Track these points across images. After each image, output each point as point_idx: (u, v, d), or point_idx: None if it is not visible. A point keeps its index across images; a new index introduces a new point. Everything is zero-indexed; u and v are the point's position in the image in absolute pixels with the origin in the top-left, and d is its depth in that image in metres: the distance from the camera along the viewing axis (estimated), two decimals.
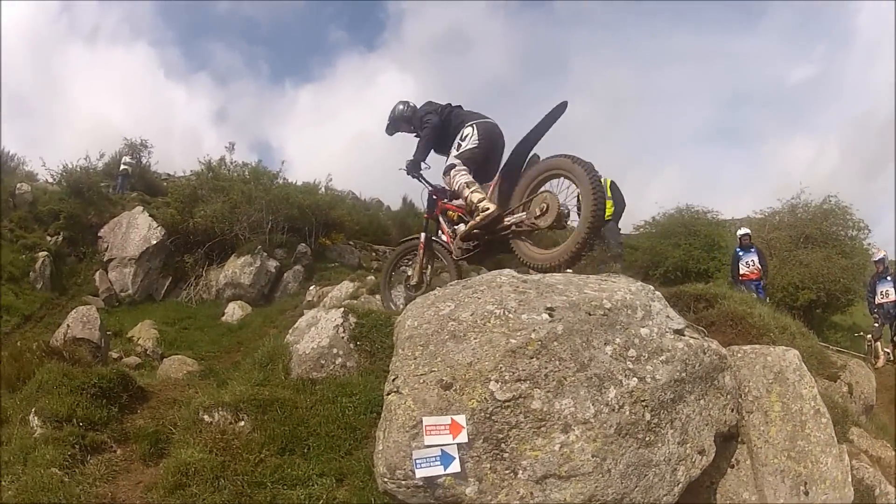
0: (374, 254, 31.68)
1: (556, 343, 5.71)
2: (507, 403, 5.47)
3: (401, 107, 10.35)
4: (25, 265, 25.20)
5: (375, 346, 8.65)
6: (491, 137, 9.38)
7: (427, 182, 10.11)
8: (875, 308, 21.73)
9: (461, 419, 5.39)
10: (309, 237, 29.51)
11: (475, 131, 9.26)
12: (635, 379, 5.88)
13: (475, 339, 5.73)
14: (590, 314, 6.01)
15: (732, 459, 6.69)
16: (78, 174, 30.85)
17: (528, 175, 8.68)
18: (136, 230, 27.80)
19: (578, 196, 8.23)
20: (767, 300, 20.95)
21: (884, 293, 21.50)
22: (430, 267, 10.16)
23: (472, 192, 8.78)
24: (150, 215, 28.61)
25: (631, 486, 5.60)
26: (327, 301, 21.66)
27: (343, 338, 8.67)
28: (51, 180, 32.50)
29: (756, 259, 21.46)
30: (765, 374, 6.91)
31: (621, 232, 18.33)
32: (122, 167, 35.84)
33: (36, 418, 8.49)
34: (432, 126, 9.64)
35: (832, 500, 6.60)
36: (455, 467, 5.32)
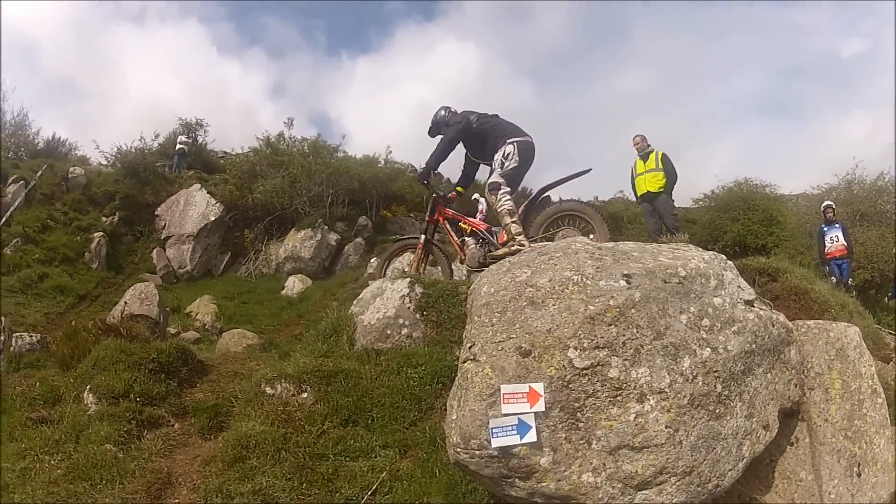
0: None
1: (633, 310, 5.59)
2: (584, 371, 5.34)
3: (442, 112, 11.05)
4: (80, 246, 25.38)
5: (442, 317, 8.58)
6: (528, 156, 10.28)
7: (433, 189, 11.11)
8: None
9: (539, 387, 5.25)
10: (370, 210, 29.67)
11: (516, 150, 10.12)
12: (708, 349, 5.76)
13: (554, 305, 5.59)
14: (665, 282, 5.90)
15: (792, 437, 6.54)
16: (133, 155, 31.13)
17: (547, 212, 10.20)
18: (194, 207, 28.00)
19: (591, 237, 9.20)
20: (851, 282, 20.30)
21: (833, 238, 20.56)
22: (425, 264, 10.93)
23: (512, 223, 9.75)
24: (207, 192, 28.82)
25: (700, 459, 5.48)
26: (389, 273, 21.17)
27: (409, 308, 8.60)
28: (105, 162, 32.94)
29: (840, 235, 20.53)
30: (827, 351, 6.76)
31: (676, 205, 18.18)
32: (178, 146, 36.00)
33: (91, 395, 8.55)
34: (448, 139, 10.45)
35: (881, 482, 6.49)
36: (531, 437, 5.19)
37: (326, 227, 26.73)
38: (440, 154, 10.51)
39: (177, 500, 6.78)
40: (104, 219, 27.90)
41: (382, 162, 31.92)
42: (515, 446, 5.16)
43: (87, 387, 8.74)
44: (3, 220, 24.53)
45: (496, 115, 10.75)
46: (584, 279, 5.73)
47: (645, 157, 17.89)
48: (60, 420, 8.42)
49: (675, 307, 5.81)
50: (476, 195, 24.74)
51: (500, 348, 5.44)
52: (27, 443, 7.91)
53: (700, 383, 5.60)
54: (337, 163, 29.18)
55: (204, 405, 8.40)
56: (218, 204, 27.96)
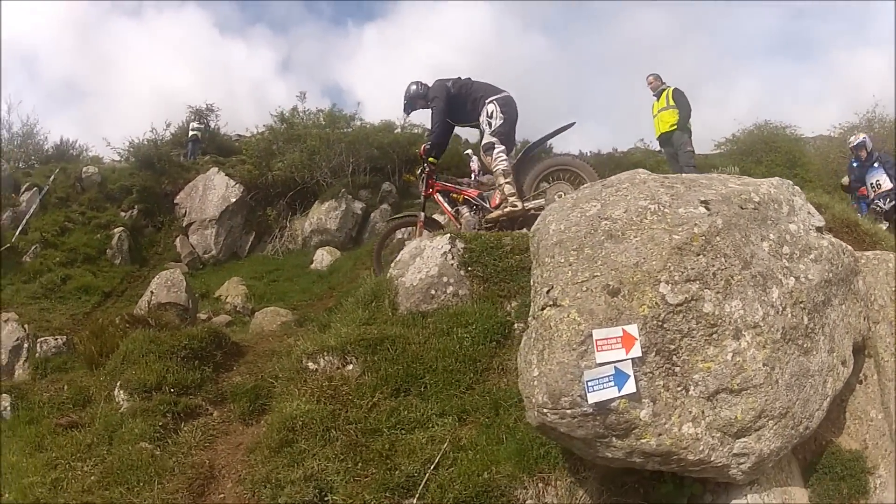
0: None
1: (718, 238, 5.15)
2: (679, 308, 4.89)
3: (414, 87, 11.26)
4: (101, 244, 25.23)
5: (488, 271, 8.09)
6: (512, 111, 10.48)
7: (426, 163, 11.13)
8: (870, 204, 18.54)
9: (633, 330, 4.78)
10: (392, 175, 29.35)
11: (497, 108, 10.36)
12: (792, 278, 5.42)
13: (635, 237, 5.14)
14: (742, 208, 5.48)
15: (860, 374, 6.25)
16: (146, 147, 30.90)
17: (536, 169, 10.32)
18: (214, 191, 27.81)
19: None
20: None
21: (874, 184, 17.67)
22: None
23: (506, 183, 9.95)
24: (226, 175, 28.64)
25: (793, 399, 5.13)
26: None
27: (452, 265, 8.13)
28: (117, 158, 32.91)
29: (883, 177, 17.41)
30: (888, 282, 6.53)
31: (692, 145, 17.15)
32: (191, 133, 35.77)
33: (122, 392, 8.28)
34: (439, 111, 10.70)
35: None
36: (630, 387, 4.73)
37: (350, 197, 26.48)
38: (438, 128, 10.82)
39: (222, 495, 6.46)
40: (123, 214, 27.69)
41: (400, 127, 31.45)
42: (613, 400, 4.71)
43: (118, 383, 8.50)
44: (20, 228, 24.47)
45: (469, 79, 10.94)
46: (662, 207, 5.29)
47: (658, 96, 17.30)
48: (91, 422, 8.18)
49: (756, 234, 5.44)
50: (469, 151, 25.03)
51: (584, 289, 4.98)
52: (57, 451, 7.67)
53: (789, 315, 5.26)
54: (354, 131, 28.94)
55: (242, 389, 8.08)
56: (237, 185, 27.75)
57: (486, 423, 6.35)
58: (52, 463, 7.42)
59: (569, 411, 4.73)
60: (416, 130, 30.56)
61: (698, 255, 5.00)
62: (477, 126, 10.76)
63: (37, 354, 12.26)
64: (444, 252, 8.21)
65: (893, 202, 16.91)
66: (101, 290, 21.89)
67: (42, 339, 12.71)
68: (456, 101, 10.71)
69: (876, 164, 17.42)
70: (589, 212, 5.40)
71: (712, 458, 4.85)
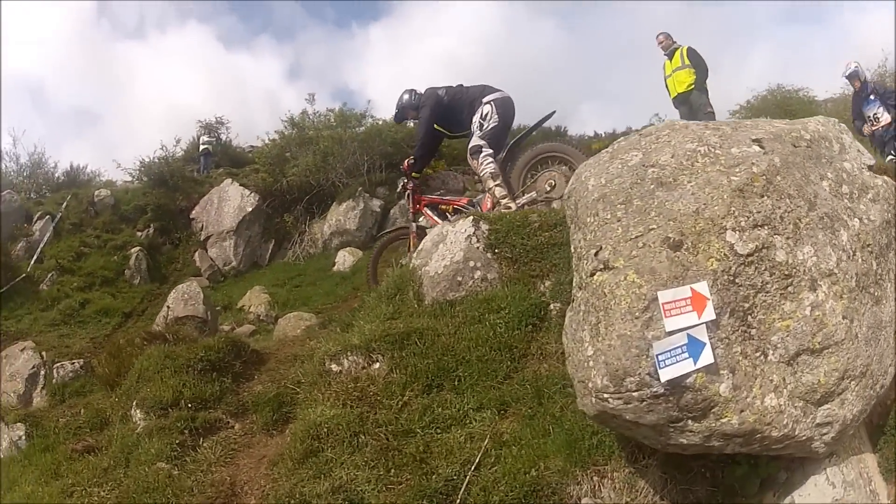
0: (475, 177, 29.97)
1: (779, 178, 4.64)
2: (749, 259, 4.36)
3: (406, 96, 11.09)
4: (118, 265, 24.98)
5: (517, 251, 7.66)
6: (508, 113, 10.26)
7: (408, 179, 11.22)
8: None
9: (703, 288, 4.20)
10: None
11: (493, 108, 10.08)
12: (857, 220, 4.95)
13: (689, 182, 4.62)
14: (795, 146, 5.03)
15: None
16: (157, 165, 30.24)
17: (523, 159, 10.15)
18: (229, 202, 27.46)
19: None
20: None
21: (872, 118, 16.97)
22: None
23: (496, 186, 9.73)
24: (240, 185, 28.22)
25: (871, 355, 4.64)
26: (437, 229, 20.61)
27: (478, 248, 7.73)
28: (129, 179, 32.45)
29: (880, 110, 16.80)
30: None
31: (712, 106, 16.49)
32: (202, 147, 35.50)
33: (138, 411, 7.95)
34: (424, 122, 10.58)
35: None
36: (707, 357, 4.13)
37: (368, 195, 25.99)
38: (423, 139, 10.83)
39: None
40: (139, 233, 27.44)
41: (413, 122, 30.38)
42: (689, 374, 4.11)
43: (134, 403, 8.17)
44: (35, 257, 24.28)
45: (461, 85, 10.74)
46: (712, 149, 4.80)
47: (671, 56, 16.68)
48: (108, 445, 7.89)
49: (815, 173, 4.96)
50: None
51: (640, 245, 4.42)
52: (73, 477, 7.40)
53: (860, 260, 4.78)
54: (367, 129, 28.52)
55: (264, 398, 7.68)
56: (252, 194, 27.36)
57: (529, 414, 5.92)
58: (69, 490, 7.13)
59: (636, 394, 4.16)
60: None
61: (762, 196, 4.48)
62: (468, 136, 10.52)
63: (54, 380, 12.06)
64: (469, 235, 7.81)
65: (894, 135, 16.37)
66: (121, 311, 21.68)
67: (59, 364, 12.39)
68: (450, 110, 10.50)
69: (872, 97, 16.82)
70: (631, 161, 4.87)
71: (796, 432, 4.33)
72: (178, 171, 30.34)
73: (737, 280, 4.27)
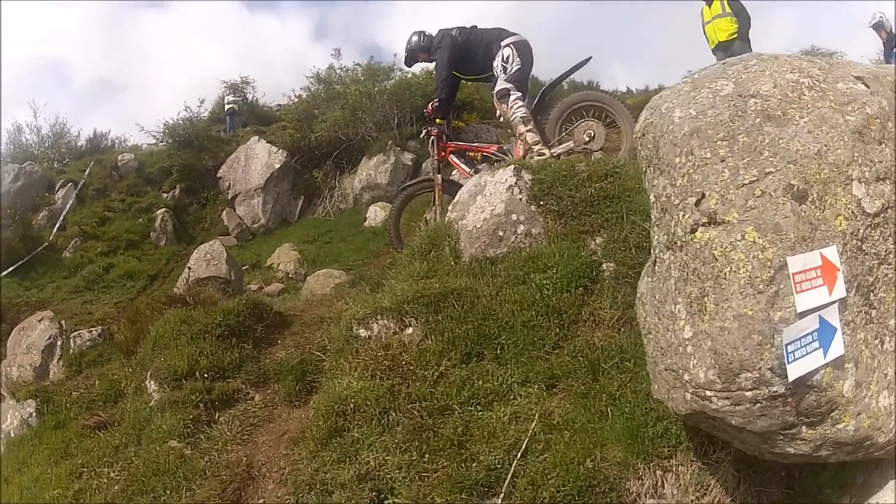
0: (508, 130, 29.49)
1: (890, 124, 3.78)
2: (876, 220, 3.55)
3: (415, 38, 10.65)
4: (143, 228, 24.83)
5: (564, 204, 6.91)
6: (528, 56, 9.80)
7: (431, 124, 10.68)
8: None
9: (832, 254, 3.35)
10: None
11: (514, 51, 9.61)
12: None
13: (801, 118, 3.69)
14: (890, 90, 4.07)
15: None
16: (182, 126, 29.88)
17: (560, 107, 9.48)
18: (256, 159, 27.25)
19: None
20: None
21: None
22: (445, 207, 9.77)
23: (528, 131, 9.17)
24: (267, 142, 27.93)
25: None
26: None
27: (521, 199, 7.03)
28: (153, 142, 32.07)
29: None
30: None
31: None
32: (227, 107, 35.22)
33: (152, 382, 7.41)
34: (443, 64, 10.08)
35: None
36: (837, 347, 3.33)
37: (398, 149, 25.51)
38: (443, 82, 10.24)
39: (261, 500, 5.50)
40: (164, 195, 27.36)
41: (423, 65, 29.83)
42: (817, 370, 3.29)
43: (148, 373, 7.63)
44: (57, 225, 24.26)
45: (474, 26, 10.31)
46: (816, 82, 3.89)
47: (710, 2, 15.60)
48: (121, 419, 7.47)
49: None
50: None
51: (757, 193, 3.48)
52: (83, 456, 7.00)
53: None
54: (396, 82, 27.77)
55: (287, 365, 7.14)
56: (280, 151, 27.06)
57: (582, 392, 5.26)
58: (77, 471, 6.75)
59: (749, 393, 3.34)
60: (459, 75, 29.44)
61: (880, 143, 3.65)
62: (488, 80, 10.12)
63: (70, 350, 11.50)
64: (510, 186, 7.12)
65: None
66: (147, 273, 21.50)
67: (76, 332, 11.89)
68: (465, 52, 10.03)
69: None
70: (722, 91, 3.90)
71: None
72: (203, 131, 30.22)
73: (863, 246, 3.47)
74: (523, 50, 9.65)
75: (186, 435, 6.36)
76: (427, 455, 5.03)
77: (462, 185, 9.44)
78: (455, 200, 7.80)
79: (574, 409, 5.11)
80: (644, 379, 4.78)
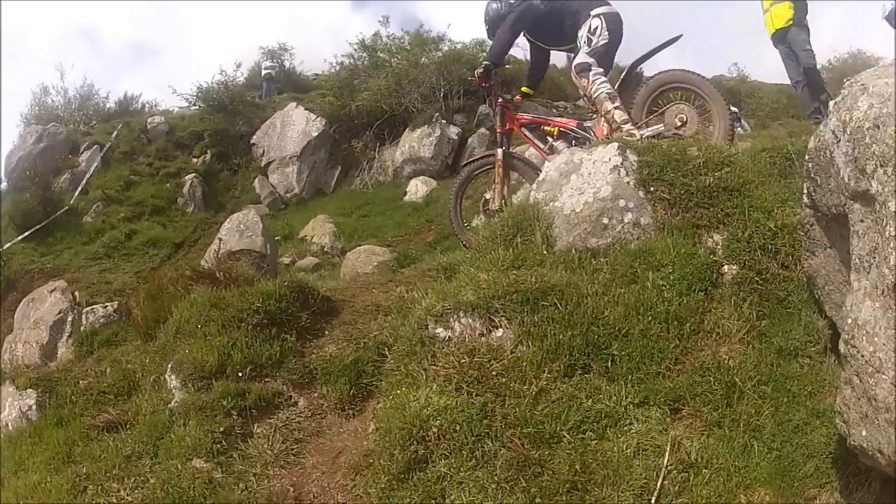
0: (555, 110, 28.81)
1: None
2: None
3: (494, 5, 9.46)
4: (171, 193, 24.32)
5: (677, 192, 6.13)
6: (618, 32, 8.88)
7: (496, 92, 9.38)
8: None
9: None
10: (488, 97, 26.39)
11: (603, 23, 8.66)
12: None
13: None
14: None
15: None
16: (216, 90, 29.39)
17: (649, 86, 8.70)
18: (293, 126, 26.58)
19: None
20: None
21: None
22: (508, 186, 9.19)
23: (615, 109, 8.32)
24: (305, 109, 27.27)
25: None
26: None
27: (628, 183, 6.13)
28: (185, 104, 31.49)
29: None
30: None
31: (811, 44, 14.25)
32: (265, 72, 34.90)
33: (174, 377, 6.39)
34: (508, 27, 8.99)
35: None
36: None
37: (444, 122, 24.92)
38: (501, 47, 9.16)
39: None
40: (195, 160, 26.92)
41: None
42: None
43: (169, 365, 6.57)
44: (80, 188, 23.82)
45: None
46: None
47: None
48: (135, 420, 6.42)
49: None
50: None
51: None
52: (89, 464, 5.95)
53: None
54: (444, 54, 27.37)
55: (339, 364, 6.20)
56: (319, 118, 26.44)
57: (715, 419, 4.53)
58: (81, 483, 5.69)
59: None
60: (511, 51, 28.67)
61: None
62: (573, 51, 9.06)
63: (82, 328, 10.63)
64: (615, 166, 6.22)
65: None
66: (172, 241, 20.96)
67: (88, 308, 10.98)
68: (549, 19, 9.01)
69: None
70: None
71: None
72: (238, 95, 29.80)
73: None
74: (613, 23, 8.72)
75: (216, 452, 5.33)
76: (538, 500, 4.09)
77: (527, 165, 8.97)
78: (541, 178, 6.80)
79: (708, 441, 4.39)
80: (789, 408, 4.41)
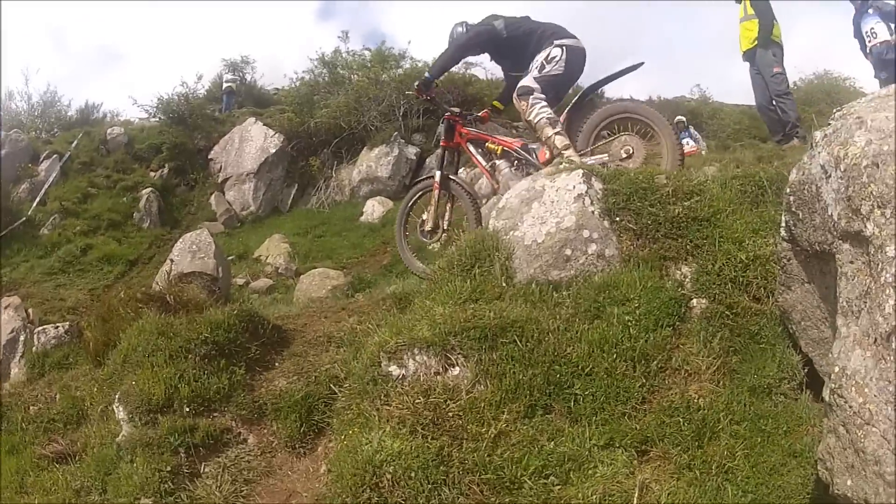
0: (514, 131, 28.93)
1: None
2: None
3: (459, 29, 9.36)
4: (127, 207, 23.97)
5: (644, 222, 5.97)
6: (577, 66, 8.69)
7: (443, 104, 9.63)
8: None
9: None
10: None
11: (563, 54, 8.49)
12: None
13: None
14: None
15: None
16: (176, 102, 29.09)
17: (595, 116, 8.44)
18: (251, 142, 26.29)
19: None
20: None
21: (869, 32, 14.32)
22: (449, 208, 8.93)
23: (556, 134, 8.10)
24: (264, 125, 26.99)
25: None
26: (483, 182, 19.70)
27: (593, 213, 5.95)
28: (145, 116, 31.08)
29: (881, 26, 14.18)
30: None
31: (783, 66, 13.53)
32: (225, 85, 34.45)
33: (121, 408, 6.03)
34: (457, 46, 9.00)
35: None
36: None
37: (403, 141, 24.80)
38: (444, 62, 9.07)
39: None
40: (152, 174, 26.61)
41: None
42: None
43: (117, 395, 6.22)
44: (38, 199, 23.50)
45: (528, 17, 9.13)
46: None
47: (740, 0, 13.75)
48: (84, 451, 6.18)
49: None
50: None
51: None
52: (40, 496, 5.78)
53: None
54: (406, 72, 27.12)
55: (289, 399, 5.91)
56: (277, 135, 26.22)
57: (686, 461, 4.27)
58: None
59: None
60: (472, 70, 28.66)
61: None
62: None
63: (34, 348, 10.25)
64: (580, 195, 6.04)
65: (888, 53, 13.85)
66: (126, 258, 20.54)
67: (40, 328, 10.62)
68: (512, 46, 8.84)
69: (871, 11, 14.15)
70: None
71: None
72: (198, 108, 29.56)
73: None
74: (575, 56, 8.55)
75: (163, 493, 5.02)
76: None
77: (463, 189, 8.71)
78: (501, 205, 6.57)
79: (679, 485, 4.13)
80: (763, 448, 4.23)
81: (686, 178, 6.32)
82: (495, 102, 9.43)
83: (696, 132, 21.94)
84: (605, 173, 6.44)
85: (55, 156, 25.96)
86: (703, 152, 21.45)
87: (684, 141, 21.02)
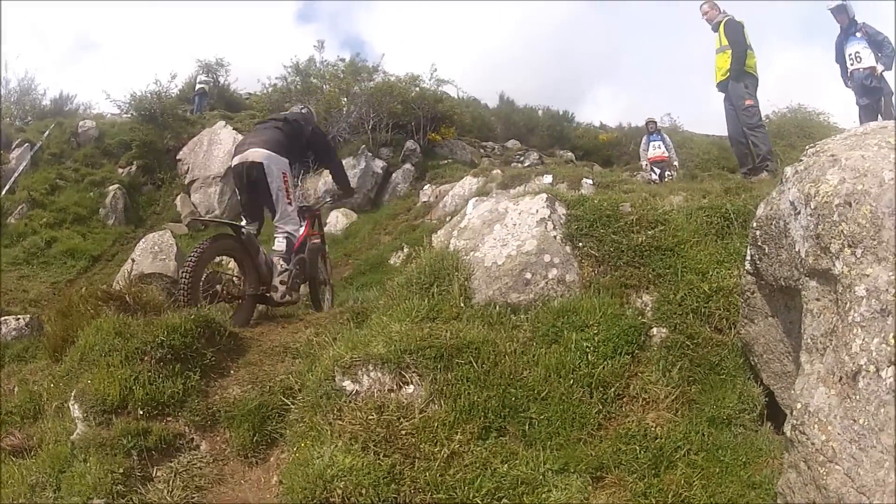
0: (482, 150, 29.25)
1: None
2: None
3: (304, 110, 9.52)
4: (94, 203, 23.67)
5: (606, 249, 5.98)
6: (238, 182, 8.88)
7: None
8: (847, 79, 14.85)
9: None
10: (416, 133, 26.90)
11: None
12: None
13: None
14: None
15: None
16: (149, 100, 28.85)
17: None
18: (220, 146, 25.89)
19: None
20: None
21: (853, 56, 14.42)
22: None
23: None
24: (233, 129, 26.69)
25: None
26: (448, 201, 19.94)
27: (555, 237, 5.90)
28: (117, 111, 31.15)
29: (862, 48, 14.30)
30: None
31: (756, 99, 12.88)
32: (198, 86, 34.15)
33: (77, 406, 5.78)
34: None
35: None
36: None
37: (370, 154, 24.58)
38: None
39: None
40: (120, 170, 26.28)
41: (427, 81, 28.70)
42: None
43: (73, 392, 5.97)
44: (7, 187, 23.27)
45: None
46: None
47: (717, 29, 13.10)
48: (40, 445, 5.87)
49: None
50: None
51: None
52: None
53: None
54: (377, 84, 26.95)
55: (243, 408, 5.60)
56: None
57: (641, 489, 4.19)
58: None
59: None
60: (444, 88, 29.00)
61: None
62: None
63: None
64: (543, 219, 5.97)
65: (873, 82, 13.87)
66: (90, 253, 20.33)
67: (3, 319, 10.36)
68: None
69: (858, 34, 14.14)
70: None
71: None
72: (170, 108, 29.29)
73: None
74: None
75: (116, 494, 4.81)
76: None
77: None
78: (463, 225, 6.46)
79: None
80: (722, 479, 4.13)
81: (651, 207, 6.27)
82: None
83: (668, 139, 21.64)
84: (570, 198, 6.31)
85: (27, 144, 25.73)
86: (676, 163, 21.34)
87: (654, 144, 20.91)
